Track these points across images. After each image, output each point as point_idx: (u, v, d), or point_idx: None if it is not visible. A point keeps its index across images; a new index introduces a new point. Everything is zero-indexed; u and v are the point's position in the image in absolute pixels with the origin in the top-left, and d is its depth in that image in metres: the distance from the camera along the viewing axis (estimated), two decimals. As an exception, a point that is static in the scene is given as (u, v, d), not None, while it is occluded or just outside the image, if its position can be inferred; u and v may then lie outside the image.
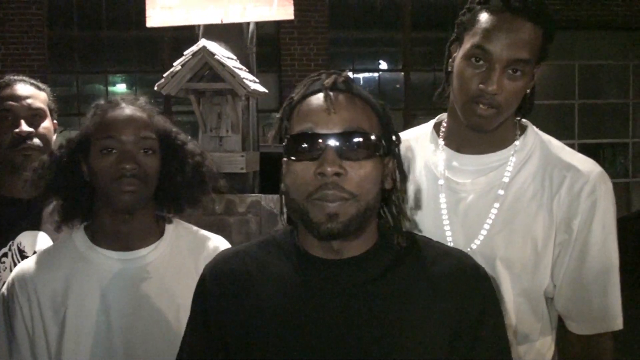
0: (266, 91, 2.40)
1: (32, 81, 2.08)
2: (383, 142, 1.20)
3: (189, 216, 1.74)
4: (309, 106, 1.19)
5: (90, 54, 9.24)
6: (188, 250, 1.65)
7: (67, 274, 1.56)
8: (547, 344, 1.57)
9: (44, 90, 2.09)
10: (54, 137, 2.08)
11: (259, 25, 2.52)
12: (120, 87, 9.73)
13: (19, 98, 1.99)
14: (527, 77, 1.46)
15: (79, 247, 1.60)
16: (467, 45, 1.46)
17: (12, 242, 1.86)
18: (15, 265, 1.79)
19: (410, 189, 1.58)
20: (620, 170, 10.92)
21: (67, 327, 1.52)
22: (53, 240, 1.90)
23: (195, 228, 1.72)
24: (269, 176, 3.13)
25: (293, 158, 1.17)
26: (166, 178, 1.61)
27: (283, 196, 1.23)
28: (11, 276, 1.59)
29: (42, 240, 1.91)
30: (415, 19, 8.26)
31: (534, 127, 1.62)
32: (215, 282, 1.27)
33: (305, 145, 1.16)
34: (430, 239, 1.32)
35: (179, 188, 1.63)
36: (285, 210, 1.25)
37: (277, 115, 1.26)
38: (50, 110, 2.08)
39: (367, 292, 1.18)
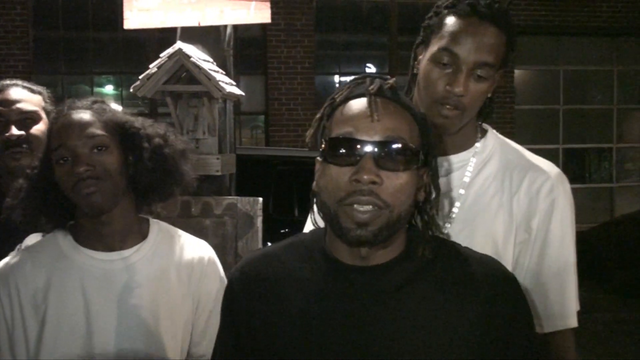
0: (242, 94, 2.41)
1: (27, 84, 2.09)
2: (421, 153, 1.17)
3: (166, 218, 1.74)
4: (351, 110, 1.16)
5: (75, 55, 9.22)
6: (170, 253, 1.65)
7: (49, 272, 1.56)
8: None
9: (39, 93, 2.11)
10: None
11: (246, 27, 2.53)
12: (106, 89, 9.71)
13: (8, 103, 2.01)
14: (491, 81, 1.48)
15: (62, 245, 1.60)
16: (434, 48, 1.47)
17: (20, 245, 1.85)
18: None
19: None
20: (605, 175, 11.02)
21: (46, 325, 1.52)
22: None
23: (179, 231, 1.72)
24: (244, 178, 3.14)
25: (329, 161, 1.15)
26: (130, 170, 1.58)
27: (314, 197, 1.21)
28: None
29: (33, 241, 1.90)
30: (402, 23, 8.29)
31: (494, 130, 1.65)
32: (242, 286, 1.26)
33: (343, 149, 1.13)
34: (459, 245, 1.29)
35: (142, 176, 1.59)
36: (314, 212, 1.23)
37: (317, 115, 1.23)
38: (48, 113, 2.06)
39: (394, 300, 1.16)
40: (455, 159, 1.56)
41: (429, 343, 1.13)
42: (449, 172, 1.55)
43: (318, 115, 1.23)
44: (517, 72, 10.13)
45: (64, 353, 1.51)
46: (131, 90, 2.26)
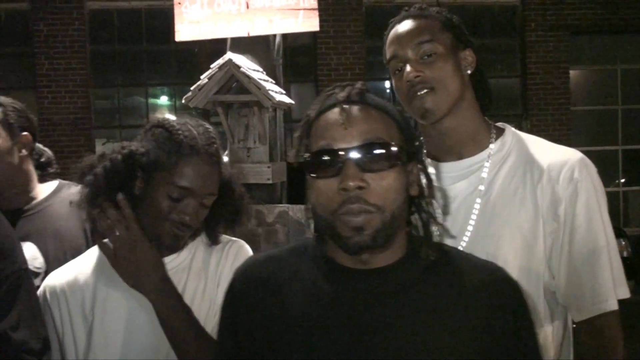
0: (292, 102, 2.42)
1: None
2: (404, 149, 1.18)
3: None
4: (326, 122, 1.18)
5: (130, 67, 9.44)
6: (206, 259, 1.68)
7: (95, 283, 1.61)
8: (546, 338, 1.55)
9: None
10: (24, 151, 2.03)
11: (296, 36, 2.54)
12: (161, 100, 9.90)
13: None
14: (446, 58, 1.56)
15: (104, 260, 1.63)
16: (389, 67, 1.63)
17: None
18: None
19: None
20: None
21: (94, 335, 1.57)
22: (40, 249, 1.94)
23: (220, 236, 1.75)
24: (297, 186, 3.15)
25: (314, 175, 1.17)
26: (212, 214, 1.66)
27: (310, 211, 1.23)
28: (43, 285, 1.64)
29: (30, 250, 1.93)
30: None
31: (512, 128, 1.67)
32: (244, 286, 1.27)
33: (325, 161, 1.15)
34: (462, 251, 1.30)
35: (219, 221, 1.69)
36: (312, 223, 1.25)
37: (296, 134, 1.25)
38: (9, 125, 1.98)
39: (396, 303, 1.15)
40: (473, 160, 1.60)
41: (431, 347, 1.13)
42: (466, 175, 1.59)
43: (297, 134, 1.25)
44: (572, 72, 9.88)
45: None
46: (183, 101, 2.30)
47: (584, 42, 9.94)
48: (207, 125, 1.67)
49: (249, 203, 1.75)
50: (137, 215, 1.57)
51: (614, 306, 1.52)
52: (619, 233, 7.23)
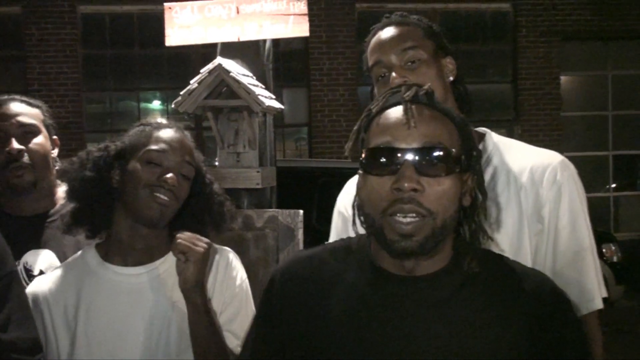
0: (282, 107, 2.42)
1: (25, 99, 2.06)
2: (463, 157, 1.16)
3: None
4: (388, 119, 1.16)
5: (122, 72, 9.42)
6: None
7: (78, 290, 1.60)
8: None
9: (37, 107, 2.07)
10: (55, 152, 2.09)
11: (288, 40, 2.55)
12: (153, 104, 9.88)
13: (7, 117, 1.97)
14: (430, 65, 1.58)
15: (90, 263, 1.64)
16: (372, 73, 1.63)
17: (19, 262, 1.86)
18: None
19: None
20: (657, 183, 10.69)
21: (77, 341, 1.57)
22: (58, 257, 1.92)
23: (202, 239, 1.74)
24: (288, 190, 3.15)
25: (370, 172, 1.15)
26: (190, 208, 1.70)
27: (356, 209, 1.21)
28: (26, 291, 1.63)
29: (48, 258, 1.93)
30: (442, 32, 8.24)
31: (494, 133, 1.68)
32: (285, 285, 1.26)
33: (382, 159, 1.13)
34: (508, 258, 1.27)
35: (203, 223, 1.71)
36: (357, 221, 1.23)
37: (355, 127, 1.23)
38: (47, 126, 2.06)
39: (438, 313, 1.14)
40: None
41: (472, 357, 1.11)
42: None
43: (355, 128, 1.23)
44: (563, 78, 9.93)
45: None
46: (173, 105, 2.30)
47: (575, 47, 9.99)
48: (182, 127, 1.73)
49: (228, 200, 1.78)
50: (119, 206, 1.61)
51: (600, 305, 1.55)
52: (609, 238, 7.25)
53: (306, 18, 2.38)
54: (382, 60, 1.59)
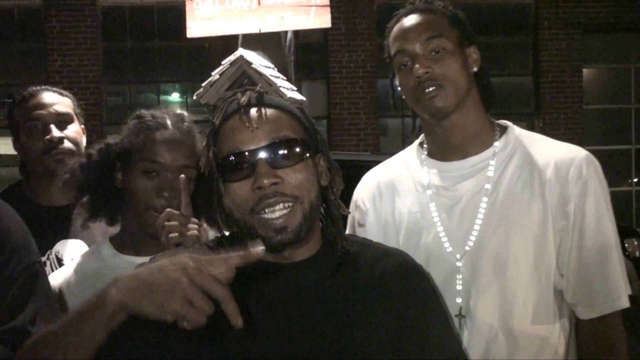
0: (304, 99, 2.42)
1: (55, 89, 2.14)
2: (310, 142, 1.23)
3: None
4: (231, 127, 1.21)
5: (142, 64, 9.47)
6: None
7: (94, 282, 1.60)
8: (557, 336, 1.54)
9: (67, 96, 2.15)
10: (83, 140, 2.14)
11: (307, 33, 2.54)
12: (172, 96, 9.91)
13: (45, 106, 2.05)
14: (454, 55, 1.55)
15: (105, 255, 1.66)
16: (393, 61, 1.61)
17: (50, 251, 1.91)
18: None
19: (404, 208, 1.63)
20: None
21: None
22: (89, 246, 1.93)
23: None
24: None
25: (229, 179, 1.19)
26: (199, 192, 1.65)
27: (220, 216, 1.24)
28: None
29: (79, 247, 1.95)
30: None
31: (516, 126, 1.66)
32: None
33: (236, 165, 1.18)
34: (370, 240, 1.38)
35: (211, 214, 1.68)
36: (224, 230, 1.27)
37: (204, 143, 1.27)
38: (77, 115, 2.13)
39: (317, 294, 1.20)
40: (477, 158, 1.60)
41: (350, 336, 1.18)
42: (471, 174, 1.58)
43: (204, 143, 1.27)
44: (585, 70, 9.81)
45: None
46: (194, 97, 2.30)
47: (597, 40, 9.87)
48: (186, 115, 1.70)
49: None
50: (124, 208, 1.62)
51: (626, 304, 1.52)
52: (632, 233, 7.16)
53: (328, 9, 2.37)
54: (406, 48, 1.56)
